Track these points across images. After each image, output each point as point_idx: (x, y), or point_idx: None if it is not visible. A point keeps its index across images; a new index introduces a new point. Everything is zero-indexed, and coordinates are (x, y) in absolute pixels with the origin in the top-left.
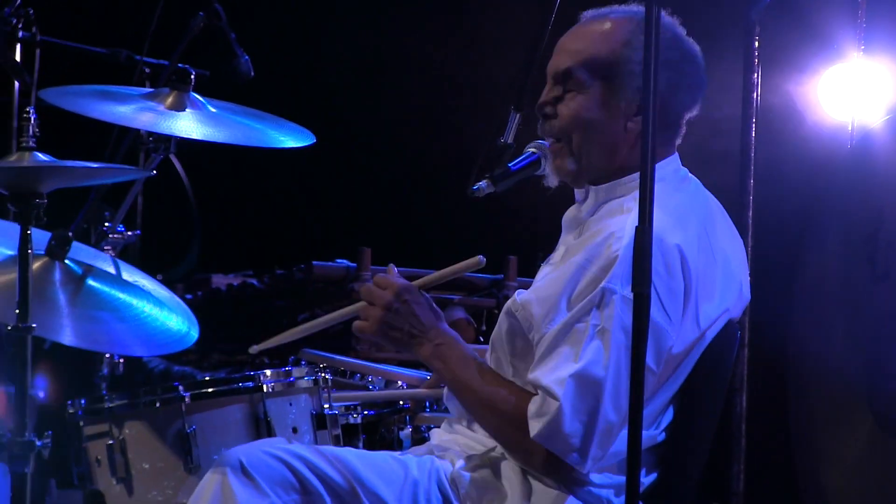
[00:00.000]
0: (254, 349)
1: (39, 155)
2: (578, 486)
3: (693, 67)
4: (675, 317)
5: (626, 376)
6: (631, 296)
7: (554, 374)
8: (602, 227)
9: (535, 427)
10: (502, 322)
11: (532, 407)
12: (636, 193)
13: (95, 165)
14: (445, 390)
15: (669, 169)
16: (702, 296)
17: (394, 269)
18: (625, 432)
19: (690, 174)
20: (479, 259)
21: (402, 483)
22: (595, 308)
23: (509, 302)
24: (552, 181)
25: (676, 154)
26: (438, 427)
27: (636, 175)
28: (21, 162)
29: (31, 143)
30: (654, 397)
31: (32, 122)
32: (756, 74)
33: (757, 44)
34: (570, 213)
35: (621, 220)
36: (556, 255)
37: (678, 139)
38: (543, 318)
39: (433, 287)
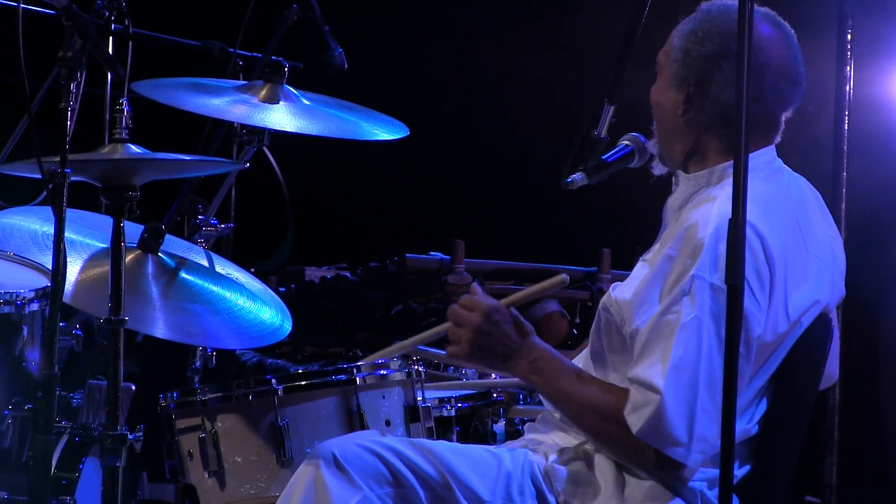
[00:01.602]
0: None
1: (132, 147)
2: (672, 479)
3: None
4: (763, 302)
5: (720, 364)
6: (719, 283)
7: (652, 368)
8: (689, 217)
9: (636, 423)
10: (599, 316)
11: (630, 403)
12: (725, 183)
13: (188, 158)
14: None
15: (761, 161)
16: (790, 286)
17: (477, 287)
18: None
19: (786, 167)
20: (564, 277)
21: (496, 476)
22: (686, 297)
23: (605, 297)
24: (657, 169)
25: (772, 147)
26: (533, 420)
27: (724, 165)
28: (114, 154)
29: (123, 135)
30: (747, 387)
31: (125, 113)
32: (849, 67)
33: (850, 36)
34: (668, 203)
35: (707, 208)
36: (653, 248)
37: (774, 133)
38: (636, 312)
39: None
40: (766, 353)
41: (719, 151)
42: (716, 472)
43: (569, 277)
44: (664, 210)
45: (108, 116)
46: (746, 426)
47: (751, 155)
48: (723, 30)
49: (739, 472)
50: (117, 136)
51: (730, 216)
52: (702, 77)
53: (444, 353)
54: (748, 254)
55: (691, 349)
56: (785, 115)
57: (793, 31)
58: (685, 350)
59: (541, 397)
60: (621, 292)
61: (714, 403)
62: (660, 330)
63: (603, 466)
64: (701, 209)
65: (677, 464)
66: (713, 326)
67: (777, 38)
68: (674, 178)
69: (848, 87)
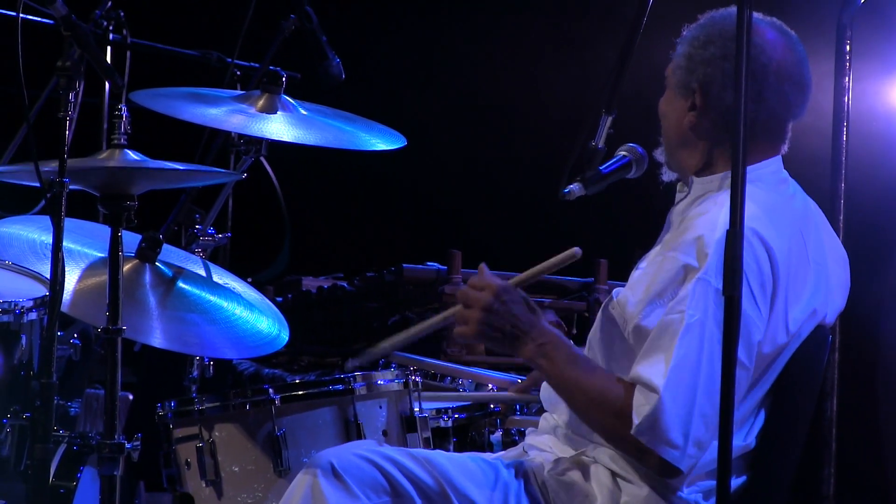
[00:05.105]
0: (350, 364)
1: (130, 153)
2: (668, 490)
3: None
4: (764, 310)
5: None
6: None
7: (654, 367)
8: (695, 221)
9: (634, 421)
10: (599, 321)
11: (636, 401)
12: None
13: (183, 167)
14: (543, 386)
15: (767, 171)
16: (791, 298)
17: (485, 268)
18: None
19: (792, 179)
20: (575, 251)
21: (493, 485)
22: (691, 299)
23: (607, 300)
24: (666, 175)
25: (779, 157)
26: (530, 429)
27: (728, 172)
28: (111, 161)
29: (122, 141)
30: (745, 399)
31: (124, 119)
32: (847, 78)
33: (848, 47)
34: (675, 207)
35: (714, 214)
36: (653, 251)
37: (780, 142)
38: (638, 312)
39: (527, 286)
40: (764, 364)
41: (726, 158)
42: (711, 483)
43: (580, 251)
44: (669, 213)
45: (105, 126)
46: (745, 441)
47: (756, 165)
48: (725, 32)
49: (735, 481)
50: (116, 141)
51: None
52: (704, 81)
53: (441, 363)
54: (753, 262)
55: (693, 352)
56: (791, 123)
57: (798, 39)
58: (687, 352)
59: (542, 395)
60: (624, 293)
61: (713, 408)
62: (664, 329)
63: (599, 476)
64: (709, 215)
65: (672, 467)
66: (716, 332)
67: (781, 43)
68: (679, 185)
69: (847, 99)
